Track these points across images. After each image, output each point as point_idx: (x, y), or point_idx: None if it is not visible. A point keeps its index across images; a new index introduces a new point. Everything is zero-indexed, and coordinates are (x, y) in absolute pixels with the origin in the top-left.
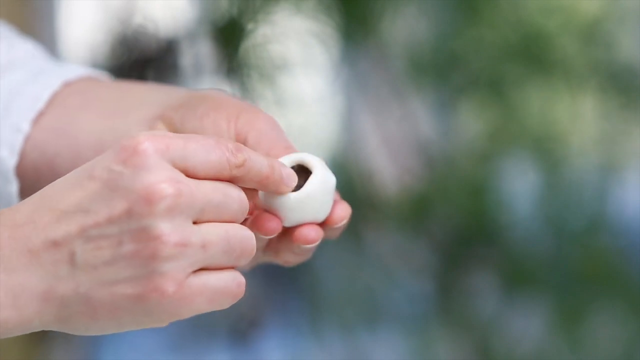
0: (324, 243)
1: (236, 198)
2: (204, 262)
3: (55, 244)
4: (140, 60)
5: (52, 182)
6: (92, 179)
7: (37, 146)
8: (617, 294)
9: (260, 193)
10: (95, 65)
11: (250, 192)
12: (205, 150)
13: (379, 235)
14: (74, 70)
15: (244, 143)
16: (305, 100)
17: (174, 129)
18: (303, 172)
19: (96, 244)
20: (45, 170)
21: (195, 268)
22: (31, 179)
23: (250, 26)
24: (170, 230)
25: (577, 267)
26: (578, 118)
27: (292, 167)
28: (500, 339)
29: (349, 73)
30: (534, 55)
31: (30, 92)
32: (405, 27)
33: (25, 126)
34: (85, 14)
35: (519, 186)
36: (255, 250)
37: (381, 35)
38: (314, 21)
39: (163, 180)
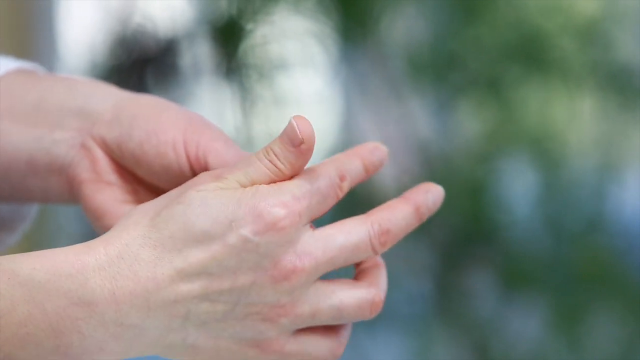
0: None
1: (362, 245)
2: (310, 325)
3: (175, 302)
4: (140, 60)
5: None
6: (223, 244)
7: None
8: (615, 294)
9: None
10: (95, 65)
11: None
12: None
13: None
14: (3, 64)
15: (205, 169)
16: (304, 100)
17: (110, 150)
18: None
19: (212, 305)
20: None
21: (299, 328)
22: None
23: (249, 26)
24: (286, 302)
25: (575, 267)
26: (576, 118)
27: None
28: (499, 339)
29: (348, 73)
30: (532, 55)
31: None
32: (404, 28)
33: None
34: (84, 14)
35: (518, 186)
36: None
37: (380, 35)
38: (313, 21)
39: (293, 260)
